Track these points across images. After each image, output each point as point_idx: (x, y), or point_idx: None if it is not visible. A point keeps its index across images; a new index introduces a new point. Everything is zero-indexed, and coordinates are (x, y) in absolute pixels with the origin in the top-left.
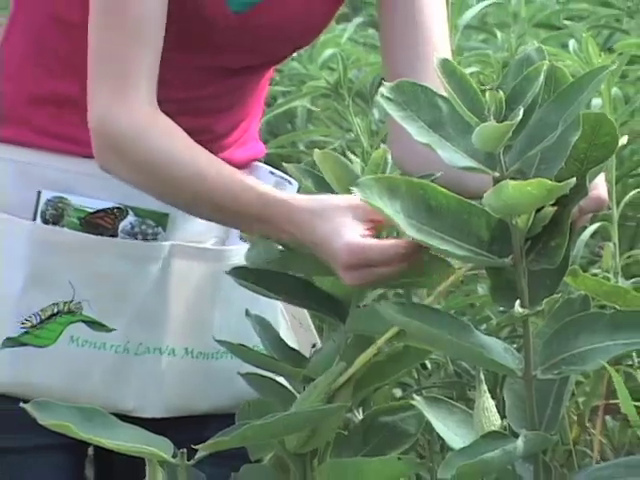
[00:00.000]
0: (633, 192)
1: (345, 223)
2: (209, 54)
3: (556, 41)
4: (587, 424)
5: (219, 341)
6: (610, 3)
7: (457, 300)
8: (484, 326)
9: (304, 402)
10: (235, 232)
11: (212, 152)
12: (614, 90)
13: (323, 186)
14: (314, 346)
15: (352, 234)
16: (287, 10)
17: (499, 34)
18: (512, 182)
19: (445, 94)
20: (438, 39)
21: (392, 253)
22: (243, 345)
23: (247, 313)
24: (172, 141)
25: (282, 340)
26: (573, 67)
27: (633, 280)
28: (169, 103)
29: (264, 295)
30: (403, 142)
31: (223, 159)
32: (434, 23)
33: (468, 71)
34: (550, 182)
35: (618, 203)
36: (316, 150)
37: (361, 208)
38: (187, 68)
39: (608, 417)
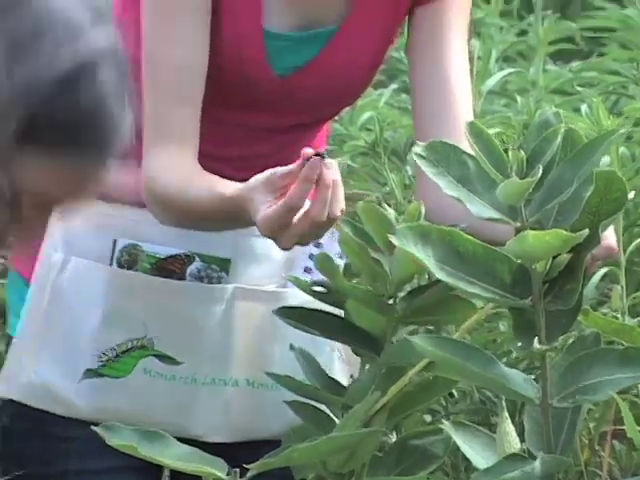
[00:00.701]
0: (638, 240)
1: (255, 200)
2: (256, 113)
3: (569, 105)
4: (597, 447)
5: (268, 373)
6: (617, 72)
7: (480, 336)
8: (504, 359)
9: (343, 427)
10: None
11: None
12: (621, 149)
13: (361, 233)
14: (352, 377)
15: (261, 209)
16: (329, 73)
17: (519, 99)
18: (532, 232)
19: (472, 153)
20: (463, 102)
21: (286, 208)
22: (289, 376)
23: (291, 347)
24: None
25: (323, 371)
26: (585, 129)
27: (639, 319)
28: (223, 161)
29: (307, 332)
30: (431, 195)
31: None
32: (460, 88)
33: (491, 132)
34: (566, 233)
35: (625, 250)
36: (359, 203)
37: (270, 181)
38: (237, 126)
39: (616, 441)
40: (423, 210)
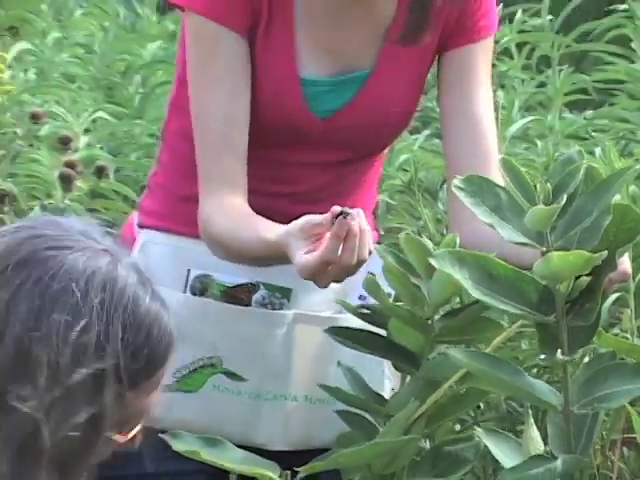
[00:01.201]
0: None
1: (292, 246)
2: (300, 152)
3: (584, 149)
4: (608, 453)
5: (321, 386)
6: (627, 119)
7: (505, 353)
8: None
9: (385, 434)
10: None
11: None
12: (631, 188)
13: (402, 262)
14: (393, 389)
15: (297, 254)
16: (366, 114)
17: (539, 143)
18: (557, 253)
19: (502, 185)
20: (490, 139)
21: (321, 261)
22: (339, 388)
23: (339, 364)
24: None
25: (367, 384)
26: (600, 166)
27: None
28: (280, 197)
29: (354, 349)
30: (465, 225)
31: None
32: (487, 125)
33: None
34: (587, 253)
35: (634, 277)
36: (402, 234)
37: (304, 230)
38: (286, 165)
39: (625, 448)
40: (458, 240)
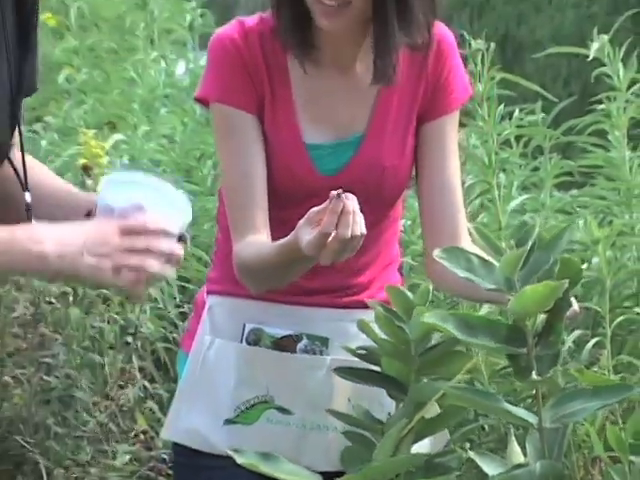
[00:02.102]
0: (619, 319)
1: (300, 234)
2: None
3: (570, 221)
4: (590, 468)
5: (329, 410)
6: (604, 197)
7: (504, 387)
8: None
9: (381, 447)
10: None
11: (350, 291)
12: (608, 252)
13: (388, 310)
14: (389, 414)
15: (305, 238)
16: (365, 171)
17: (535, 216)
18: (529, 286)
19: (472, 251)
20: (460, 208)
21: (321, 234)
22: (345, 414)
23: (349, 400)
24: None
25: (368, 411)
26: (581, 238)
27: (621, 375)
28: None
29: (356, 382)
30: (446, 276)
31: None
32: (458, 196)
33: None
34: (553, 282)
35: (610, 325)
36: (386, 285)
37: (308, 218)
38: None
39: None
40: (431, 288)
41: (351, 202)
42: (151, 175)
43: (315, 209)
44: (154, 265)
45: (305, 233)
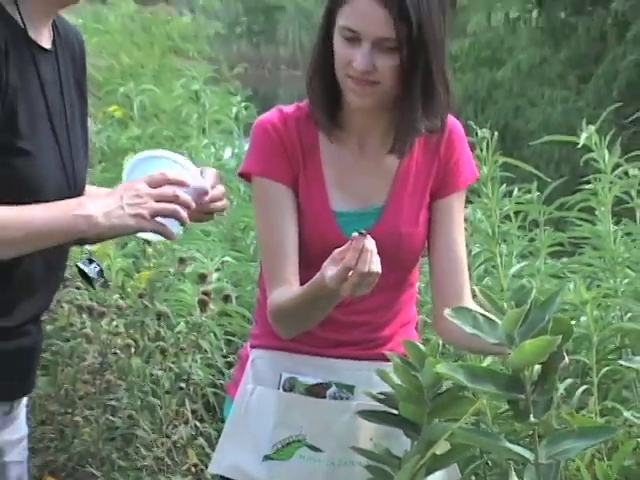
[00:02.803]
0: (604, 370)
1: (325, 272)
2: None
3: (562, 285)
4: None
5: (354, 448)
6: (591, 264)
7: (505, 427)
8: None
9: (399, 479)
10: None
11: (372, 345)
12: (595, 312)
13: (404, 361)
14: (406, 450)
15: (328, 274)
16: (385, 238)
17: (531, 280)
18: (528, 340)
19: (478, 310)
20: (465, 273)
21: (343, 268)
22: (367, 450)
23: (371, 439)
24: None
25: (388, 449)
26: (572, 299)
27: (606, 418)
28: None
29: (379, 424)
30: (454, 331)
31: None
32: (463, 263)
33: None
34: (549, 337)
35: (597, 374)
36: (403, 340)
37: (333, 257)
38: None
39: None
40: (440, 342)
41: (370, 242)
42: (164, 150)
43: (338, 250)
44: (181, 211)
45: (329, 270)
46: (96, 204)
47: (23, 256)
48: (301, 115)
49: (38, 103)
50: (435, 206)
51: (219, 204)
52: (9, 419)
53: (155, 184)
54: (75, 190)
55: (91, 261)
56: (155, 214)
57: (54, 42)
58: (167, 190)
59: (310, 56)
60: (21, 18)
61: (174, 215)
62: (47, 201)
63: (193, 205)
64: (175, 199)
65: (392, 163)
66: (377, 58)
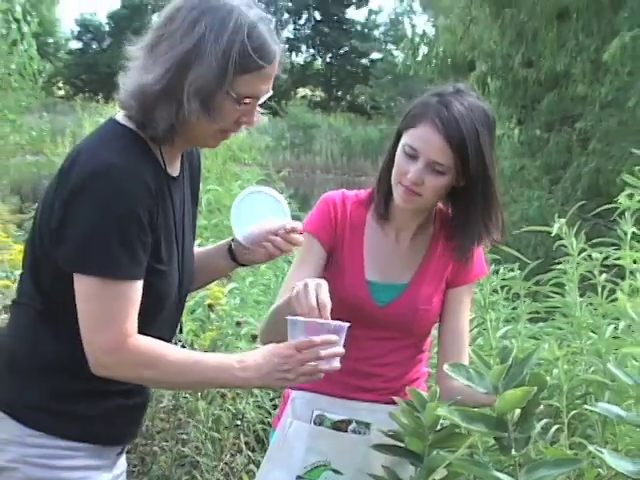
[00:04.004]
0: (572, 412)
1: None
2: (363, 329)
3: (538, 345)
4: None
5: (369, 474)
6: (562, 328)
7: (494, 457)
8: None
9: None
10: None
11: (387, 392)
12: (565, 366)
13: (409, 404)
14: (410, 477)
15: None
16: (405, 307)
17: (514, 341)
18: (509, 390)
19: (469, 364)
20: (465, 345)
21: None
22: (380, 476)
23: (383, 466)
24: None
25: (397, 474)
26: (547, 355)
27: (574, 451)
28: (350, 360)
29: (390, 455)
30: (446, 379)
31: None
32: (465, 339)
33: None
34: (527, 387)
35: (567, 414)
36: (408, 387)
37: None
38: (355, 337)
39: None
40: (438, 390)
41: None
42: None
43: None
44: (323, 366)
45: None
46: (253, 367)
47: (150, 331)
48: (357, 201)
49: (172, 229)
50: (448, 293)
51: (299, 237)
52: (118, 458)
53: (303, 348)
54: (183, 282)
55: None
56: (299, 379)
57: (181, 165)
58: (312, 355)
59: (380, 164)
60: (162, 158)
61: (314, 374)
62: (168, 304)
63: (338, 356)
64: (318, 358)
65: (419, 252)
66: (427, 176)
